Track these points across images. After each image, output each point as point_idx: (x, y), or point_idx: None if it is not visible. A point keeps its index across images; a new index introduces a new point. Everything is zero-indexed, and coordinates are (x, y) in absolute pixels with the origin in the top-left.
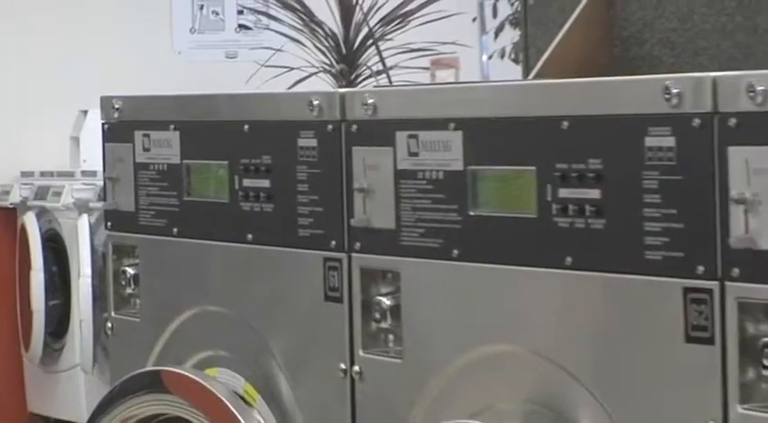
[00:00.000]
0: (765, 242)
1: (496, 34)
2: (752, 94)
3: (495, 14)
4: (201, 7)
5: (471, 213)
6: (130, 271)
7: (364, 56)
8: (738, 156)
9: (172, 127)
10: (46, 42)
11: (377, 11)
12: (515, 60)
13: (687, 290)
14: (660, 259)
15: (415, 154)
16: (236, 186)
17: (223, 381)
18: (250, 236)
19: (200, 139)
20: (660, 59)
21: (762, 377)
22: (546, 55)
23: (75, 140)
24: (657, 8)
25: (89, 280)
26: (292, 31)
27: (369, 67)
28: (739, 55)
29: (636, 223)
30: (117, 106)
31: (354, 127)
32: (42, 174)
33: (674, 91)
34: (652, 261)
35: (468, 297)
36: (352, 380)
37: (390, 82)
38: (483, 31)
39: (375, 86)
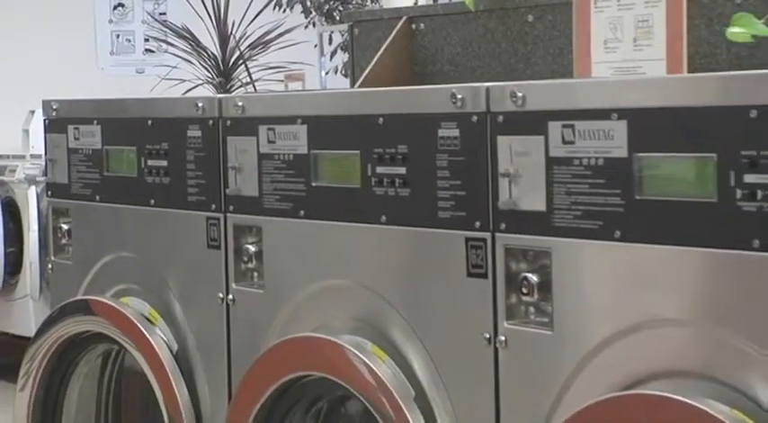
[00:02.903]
0: (524, 204)
1: (332, 56)
2: (514, 98)
3: (330, 42)
4: (118, 36)
5: (314, 184)
6: (65, 227)
7: (236, 72)
8: (504, 143)
9: (95, 122)
10: (3, 62)
11: (245, 39)
12: (345, 75)
13: (468, 239)
14: (449, 217)
15: (273, 142)
16: (143, 165)
17: (133, 306)
18: (153, 201)
19: (115, 131)
20: (448, 74)
21: (521, 301)
22: (366, 71)
23: (26, 132)
24: (446, 38)
25: (36, 234)
26: (184, 53)
27: (240, 80)
28: (504, 71)
29: (432, 191)
30: (55, 107)
31: (229, 122)
32: (1, 156)
33: (459, 96)
34: (443, 219)
35: (311, 245)
36: (228, 305)
37: (255, 90)
38: (322, 53)
39: (244, 93)
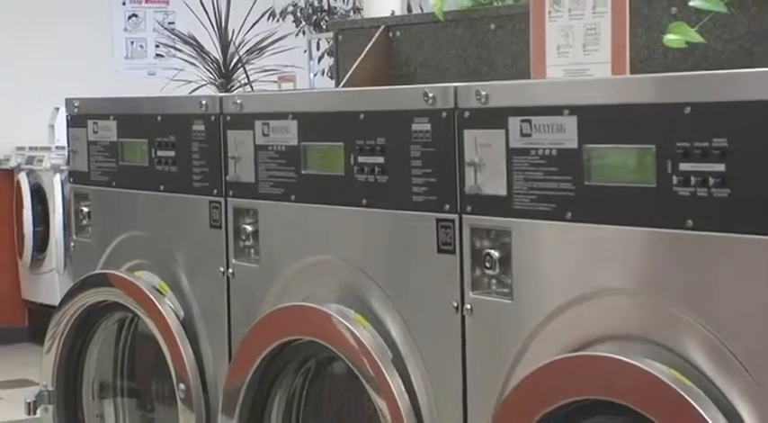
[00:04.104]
0: (487, 189)
1: (319, 60)
2: (478, 97)
3: (318, 48)
4: (132, 42)
5: (303, 172)
6: (85, 210)
7: (236, 74)
8: (470, 135)
9: (111, 117)
10: (33, 65)
11: (244, 45)
12: (331, 77)
13: (438, 220)
14: (422, 201)
15: (267, 135)
16: (153, 156)
17: (145, 279)
18: (162, 187)
19: (129, 125)
20: (421, 76)
21: (484, 274)
22: (349, 73)
23: (52, 127)
24: (419, 44)
25: (60, 215)
26: (190, 57)
27: (239, 81)
28: (469, 73)
29: (407, 178)
30: (76, 105)
31: (229, 118)
32: (30, 148)
33: (430, 95)
34: (417, 202)
35: (301, 225)
36: (228, 278)
37: (252, 90)
38: (310, 58)
39: (242, 92)
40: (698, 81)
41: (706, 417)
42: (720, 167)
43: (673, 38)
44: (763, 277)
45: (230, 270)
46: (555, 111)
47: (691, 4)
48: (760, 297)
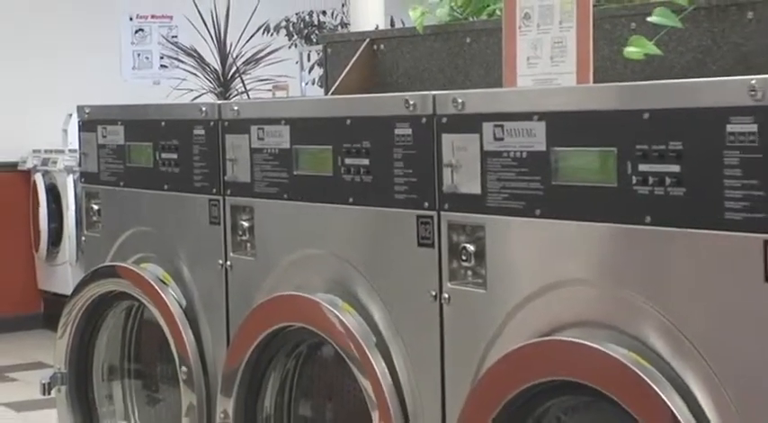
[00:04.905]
0: (463, 189)
1: (310, 70)
2: (455, 104)
3: (309, 59)
4: (138, 54)
5: (295, 173)
6: (96, 207)
7: (234, 83)
8: (448, 139)
9: (119, 123)
10: (48, 75)
11: (241, 57)
12: (320, 86)
13: (419, 217)
14: (403, 199)
15: (262, 139)
16: (158, 158)
17: (150, 270)
18: (166, 186)
19: (136, 130)
20: (403, 85)
21: (461, 266)
22: (337, 82)
23: (65, 131)
24: (401, 55)
25: (73, 212)
26: (192, 68)
27: (236, 89)
28: (447, 82)
29: (389, 178)
30: (87, 111)
31: (227, 123)
32: (46, 150)
33: (411, 102)
34: (398, 200)
35: (293, 221)
36: (226, 270)
37: (248, 97)
38: (302, 68)
39: (239, 100)
40: (655, 89)
41: (662, 395)
42: (676, 168)
43: (632, 50)
44: (715, 268)
45: (228, 263)
46: (525, 117)
47: (649, 19)
48: (712, 286)
